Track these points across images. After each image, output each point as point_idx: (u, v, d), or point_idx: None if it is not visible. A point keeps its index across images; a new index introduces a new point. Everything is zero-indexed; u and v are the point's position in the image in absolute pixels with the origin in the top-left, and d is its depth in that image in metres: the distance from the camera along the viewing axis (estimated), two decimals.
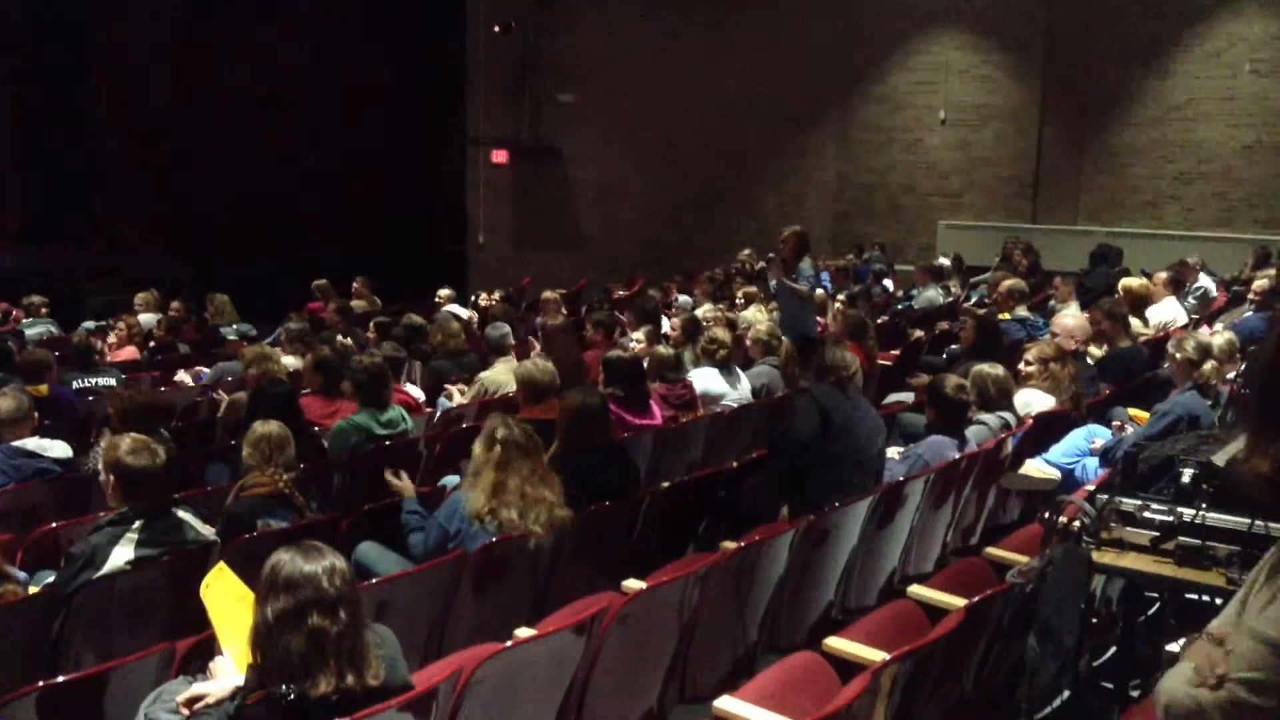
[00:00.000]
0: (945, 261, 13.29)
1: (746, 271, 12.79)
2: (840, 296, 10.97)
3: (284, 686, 2.58)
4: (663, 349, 6.93)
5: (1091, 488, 3.91)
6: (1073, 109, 14.88)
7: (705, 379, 6.74)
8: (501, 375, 7.08)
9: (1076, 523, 3.16)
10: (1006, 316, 8.47)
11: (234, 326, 10.72)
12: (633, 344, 7.96)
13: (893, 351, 8.77)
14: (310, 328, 9.27)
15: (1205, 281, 10.67)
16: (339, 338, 8.78)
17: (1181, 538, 3.10)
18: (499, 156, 18.01)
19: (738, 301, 10.49)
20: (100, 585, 3.74)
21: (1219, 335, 6.20)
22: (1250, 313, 8.66)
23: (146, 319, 10.67)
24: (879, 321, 10.44)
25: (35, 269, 14.99)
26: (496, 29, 17.29)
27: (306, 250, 14.49)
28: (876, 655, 3.23)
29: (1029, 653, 3.13)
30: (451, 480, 5.11)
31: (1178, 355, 5.48)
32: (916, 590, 3.86)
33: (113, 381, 7.56)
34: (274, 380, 5.97)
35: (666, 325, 9.08)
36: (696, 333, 7.57)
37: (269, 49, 16.66)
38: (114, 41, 16.66)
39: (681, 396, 6.46)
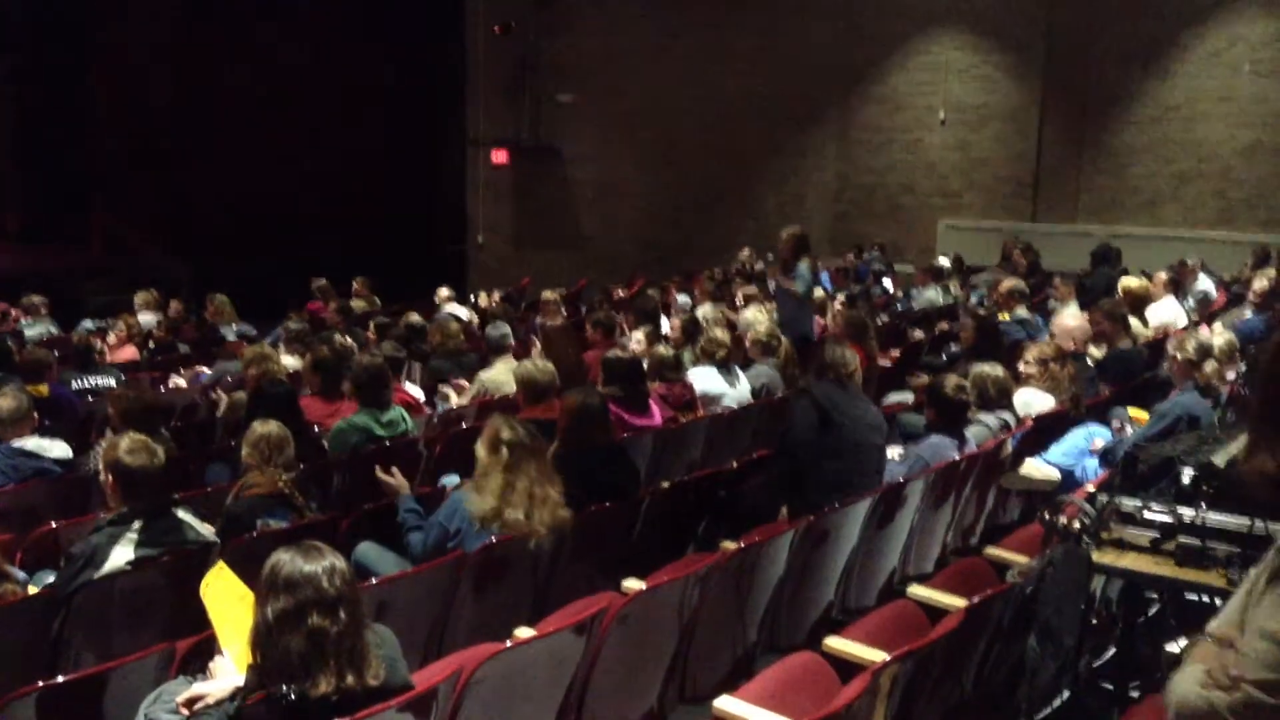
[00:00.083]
0: (945, 262, 13.29)
1: (746, 272, 12.80)
2: (840, 297, 10.97)
3: (284, 686, 2.58)
4: (662, 349, 6.92)
5: (1091, 488, 3.91)
6: (1072, 109, 14.88)
7: (705, 379, 6.74)
8: (501, 375, 7.07)
9: (1076, 523, 3.16)
10: (1006, 317, 8.47)
11: (234, 326, 10.71)
12: (632, 344, 7.96)
13: (893, 352, 8.77)
14: (310, 328, 9.26)
15: (1205, 282, 10.67)
16: (339, 337, 8.78)
17: (1181, 538, 3.10)
18: (499, 156, 18.01)
19: (738, 302, 10.48)
20: (100, 585, 3.74)
21: (1219, 336, 6.20)
22: (1250, 313, 8.66)
23: (146, 319, 10.66)
24: (879, 322, 10.44)
25: (35, 269, 14.97)
26: (496, 29, 17.28)
27: (306, 250, 14.47)
28: (876, 655, 3.23)
29: (1029, 653, 3.13)
30: (451, 480, 5.11)
31: (1178, 356, 5.48)
32: (916, 590, 3.87)
33: (112, 382, 7.56)
34: (274, 380, 5.97)
35: (666, 325, 9.08)
36: (696, 333, 7.57)
37: (269, 49, 16.64)
38: (114, 41, 16.64)
39: (681, 397, 6.46)
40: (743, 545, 3.91)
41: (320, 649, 2.59)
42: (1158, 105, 14.34)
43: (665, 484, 5.00)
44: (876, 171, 16.24)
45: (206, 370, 8.84)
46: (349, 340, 8.33)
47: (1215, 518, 3.08)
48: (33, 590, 3.98)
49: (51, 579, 3.99)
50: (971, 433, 5.25)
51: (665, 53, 16.86)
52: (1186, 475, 3.24)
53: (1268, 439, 2.00)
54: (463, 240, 18.56)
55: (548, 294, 10.75)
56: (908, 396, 7.13)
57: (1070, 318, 7.01)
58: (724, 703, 3.07)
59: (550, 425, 4.70)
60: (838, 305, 9.92)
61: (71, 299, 12.71)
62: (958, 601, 3.51)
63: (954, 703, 3.38)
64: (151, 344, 10.09)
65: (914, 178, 16.01)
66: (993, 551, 4.29)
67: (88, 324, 10.47)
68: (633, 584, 3.95)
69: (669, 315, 10.04)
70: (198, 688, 2.89)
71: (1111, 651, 3.71)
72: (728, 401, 6.71)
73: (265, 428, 4.52)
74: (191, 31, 16.35)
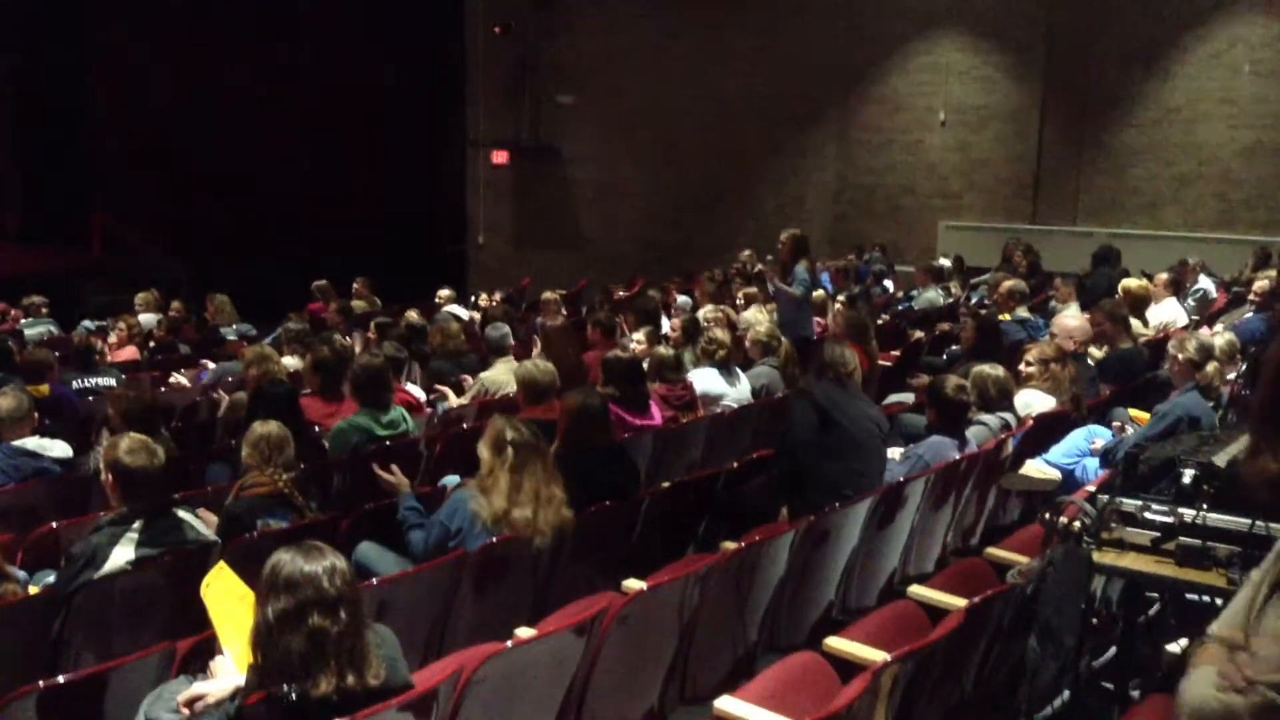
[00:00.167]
0: (945, 262, 13.30)
1: (746, 272, 12.80)
2: (840, 297, 10.97)
3: (284, 686, 2.58)
4: (663, 349, 6.92)
5: (1092, 488, 3.91)
6: (1073, 110, 14.88)
7: (705, 379, 6.74)
8: (502, 376, 7.07)
9: (1077, 523, 3.16)
10: (1007, 317, 8.47)
11: (234, 327, 10.72)
12: (633, 345, 7.96)
13: (893, 352, 8.77)
14: (310, 328, 9.26)
15: (1205, 283, 10.67)
16: (340, 338, 8.77)
17: (1182, 538, 3.10)
18: (499, 157, 18.02)
19: (738, 302, 10.48)
20: (100, 585, 3.74)
21: (1220, 336, 6.20)
22: (1250, 314, 8.66)
23: (147, 319, 10.67)
24: (879, 322, 10.45)
25: (35, 269, 14.98)
26: (497, 29, 17.29)
27: (306, 250, 14.48)
28: (877, 655, 3.23)
29: (1029, 653, 3.13)
30: (452, 480, 5.11)
31: (1179, 356, 5.48)
32: (917, 590, 3.86)
33: (113, 382, 7.56)
34: (274, 380, 5.97)
35: (666, 326, 9.08)
36: (696, 333, 7.57)
37: (269, 49, 16.65)
38: (114, 41, 16.65)
39: (681, 397, 6.46)
40: (743, 545, 3.91)
41: (321, 649, 2.59)
42: (1158, 106, 14.34)
43: (665, 484, 5.00)
44: (877, 172, 16.24)
45: (211, 365, 8.85)
46: (349, 340, 8.34)
47: (1216, 518, 3.08)
48: (33, 590, 3.99)
49: (52, 579, 3.99)
50: (972, 433, 5.25)
51: (665, 53, 16.87)
52: (1187, 475, 3.24)
53: (1270, 440, 2.01)
54: (463, 240, 18.57)
55: (548, 294, 10.76)
56: (908, 397, 7.13)
57: (1071, 318, 7.01)
58: (724, 703, 3.06)
59: (550, 425, 4.70)
60: (838, 306, 9.92)
61: (71, 299, 12.71)
62: (958, 602, 3.50)
63: (954, 703, 3.38)
64: (152, 344, 10.09)
65: (914, 179, 16.01)
66: (993, 552, 4.29)
67: (88, 324, 10.47)
68: (633, 584, 3.95)
69: (669, 316, 10.04)
70: (198, 687, 2.89)
71: (1112, 652, 3.70)
72: (728, 402, 6.71)
73: (265, 428, 4.52)
74: (191, 31, 16.35)
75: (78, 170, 16.89)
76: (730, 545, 4.14)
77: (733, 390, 6.79)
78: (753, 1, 16.39)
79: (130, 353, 9.39)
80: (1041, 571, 3.17)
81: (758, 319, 8.82)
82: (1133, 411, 5.92)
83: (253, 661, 2.67)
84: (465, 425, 6.37)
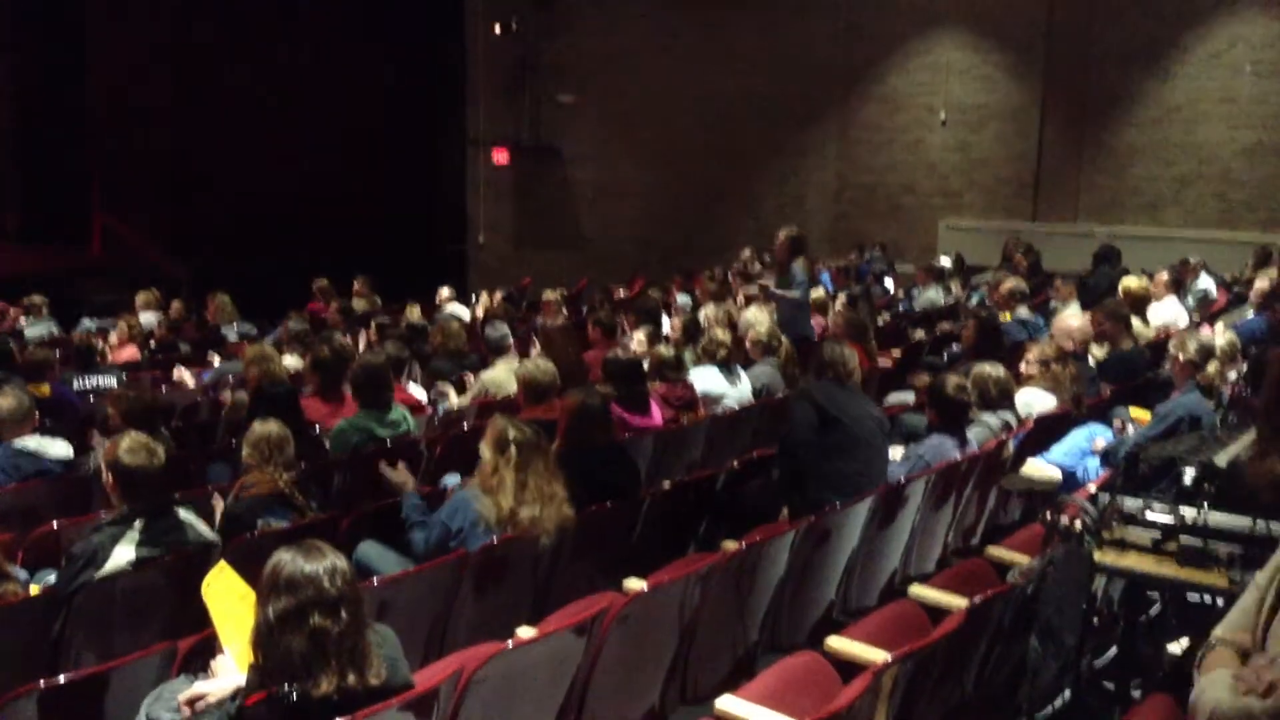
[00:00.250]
0: (946, 262, 13.29)
1: (746, 271, 12.79)
2: (841, 297, 10.97)
3: (285, 686, 2.58)
4: (663, 349, 6.93)
5: (1093, 488, 3.91)
6: (1073, 110, 14.87)
7: (706, 379, 6.74)
8: (502, 375, 7.07)
9: (1078, 523, 3.16)
10: (1007, 317, 8.47)
11: (235, 326, 10.72)
12: (633, 344, 7.96)
13: (893, 352, 8.77)
14: (310, 328, 9.26)
15: (1206, 282, 10.67)
16: (340, 337, 8.78)
17: (1183, 538, 3.10)
18: (499, 156, 18.03)
19: (739, 302, 10.48)
20: (101, 585, 3.74)
21: (1220, 336, 6.20)
22: (1251, 313, 8.66)
23: (147, 319, 10.67)
24: (880, 322, 10.45)
25: (35, 269, 14.98)
26: (497, 29, 17.29)
27: (306, 250, 14.48)
28: (878, 655, 3.23)
29: (1030, 653, 3.13)
30: (452, 480, 5.11)
31: (1180, 357, 5.47)
32: (918, 590, 3.86)
33: (114, 381, 7.56)
34: (274, 380, 5.97)
35: (667, 325, 9.08)
36: (697, 333, 7.57)
37: (269, 49, 16.63)
38: (114, 41, 16.64)
39: (682, 397, 6.46)
40: (743, 545, 3.91)
41: (321, 649, 2.59)
42: (1158, 106, 14.34)
43: (666, 484, 5.00)
44: (877, 171, 16.24)
45: (216, 360, 8.85)
46: (350, 340, 8.34)
47: (1217, 518, 3.08)
48: (34, 590, 3.99)
49: (53, 578, 3.99)
50: (973, 433, 5.25)
51: (665, 53, 16.87)
52: (1188, 475, 3.24)
53: (1275, 442, 2.02)
54: (463, 240, 18.57)
55: (549, 294, 10.76)
56: (909, 397, 7.13)
57: (1071, 318, 7.01)
58: (725, 703, 3.06)
59: (551, 425, 4.70)
60: (838, 305, 9.92)
61: (71, 299, 12.71)
62: (959, 601, 3.50)
63: (955, 703, 3.38)
64: (152, 344, 10.09)
65: (914, 178, 16.01)
66: (994, 551, 4.29)
67: (88, 323, 10.47)
68: (634, 584, 3.95)
69: (670, 315, 10.04)
70: (199, 687, 2.89)
71: (1113, 651, 3.71)
72: (729, 401, 6.71)
73: (265, 427, 4.52)
74: (191, 31, 16.34)
75: (78, 170, 16.87)
76: (731, 545, 4.14)
77: (734, 390, 6.79)
78: (753, 1, 16.39)
79: (131, 352, 9.39)
80: (1042, 571, 3.17)
81: (758, 319, 8.81)
82: (1134, 411, 5.91)
83: (253, 661, 2.67)
84: (466, 425, 6.37)
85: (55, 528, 4.46)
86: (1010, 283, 9.08)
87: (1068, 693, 3.33)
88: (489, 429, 4.29)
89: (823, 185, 16.73)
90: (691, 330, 7.79)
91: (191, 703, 2.84)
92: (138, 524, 3.84)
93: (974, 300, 11.21)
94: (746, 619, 3.98)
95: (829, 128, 16.52)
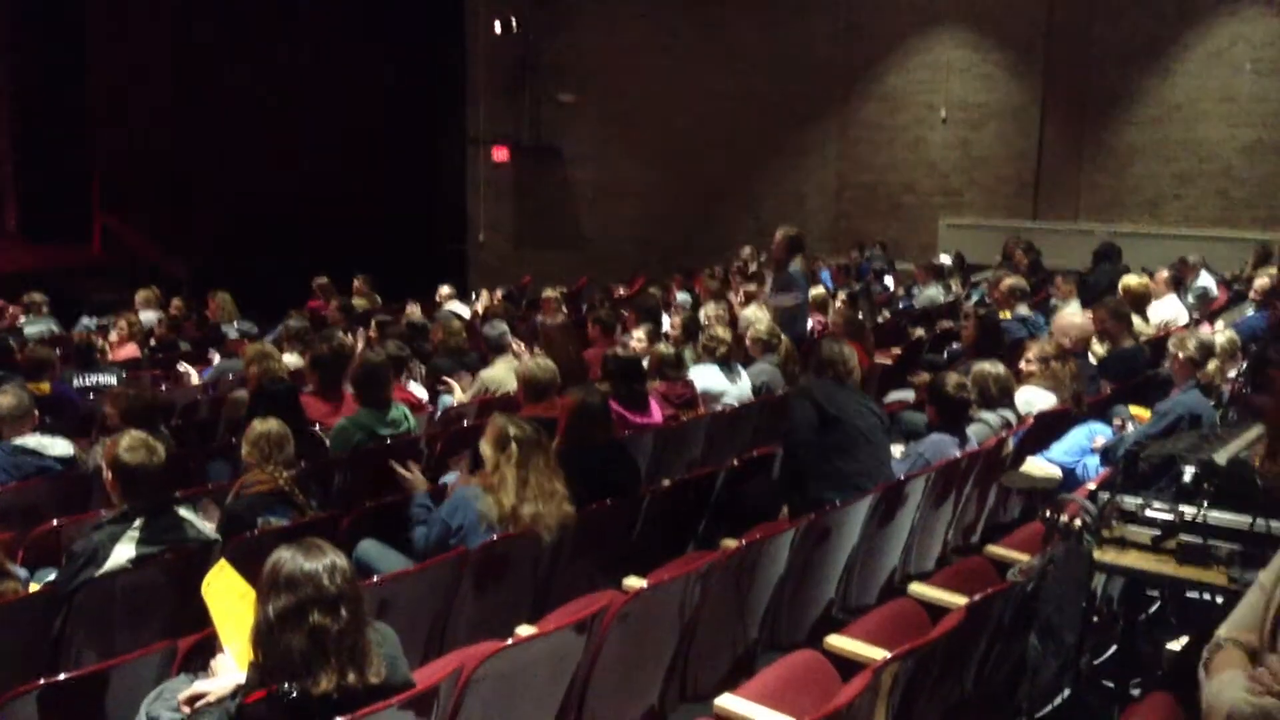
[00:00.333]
0: (946, 260, 13.29)
1: (745, 270, 12.80)
2: (841, 295, 10.97)
3: (285, 684, 2.58)
4: (663, 347, 6.93)
5: (1093, 486, 3.91)
6: (1073, 108, 14.87)
7: (706, 377, 6.74)
8: (502, 374, 7.07)
9: (1078, 521, 3.16)
10: (1007, 315, 8.47)
11: (235, 324, 10.72)
12: (633, 343, 7.96)
13: (894, 350, 8.77)
14: (310, 326, 9.27)
15: (1206, 280, 10.67)
16: (342, 335, 8.78)
17: (1183, 536, 3.10)
18: (499, 156, 18.02)
19: (739, 300, 10.48)
20: (101, 583, 3.74)
21: (1220, 334, 6.20)
22: (1251, 311, 8.66)
23: (147, 317, 10.67)
24: (880, 320, 10.45)
25: (35, 267, 14.98)
26: (497, 28, 17.29)
27: (306, 250, 14.48)
28: (877, 654, 3.23)
29: (1030, 651, 3.13)
30: (453, 478, 5.11)
31: (1180, 355, 5.47)
32: (917, 589, 3.86)
33: (114, 380, 7.56)
34: (274, 378, 5.97)
35: (667, 324, 9.08)
36: (697, 331, 7.57)
37: (269, 49, 16.62)
38: (114, 41, 16.63)
39: (682, 395, 6.46)
40: (744, 544, 3.91)
41: (321, 647, 2.59)
42: (1159, 104, 14.33)
43: (666, 482, 5.00)
44: (877, 170, 16.24)
45: (216, 358, 8.86)
46: (351, 338, 8.34)
47: (1216, 516, 3.08)
48: (34, 588, 3.99)
49: (53, 577, 3.99)
50: (973, 431, 5.25)
51: (665, 52, 16.86)
52: (1188, 473, 3.24)
53: None
54: (463, 239, 18.56)
55: (549, 292, 10.76)
56: (909, 395, 7.13)
57: (1072, 316, 7.01)
58: (725, 701, 3.06)
59: (551, 423, 4.70)
60: (838, 303, 9.92)
61: (71, 297, 12.71)
62: (959, 600, 3.50)
63: (955, 701, 3.38)
64: (152, 342, 10.10)
65: (915, 176, 16.00)
66: (994, 550, 4.28)
67: (87, 321, 10.46)
68: (634, 582, 3.95)
69: (669, 314, 10.04)
70: (199, 685, 2.89)
71: (1113, 649, 3.71)
72: (729, 399, 6.71)
73: (264, 426, 4.52)
74: (192, 31, 16.33)
75: (78, 168, 16.87)
76: (731, 543, 4.14)
77: (734, 388, 6.80)
78: (753, 1, 16.39)
79: (131, 350, 9.40)
80: (1042, 569, 3.17)
81: (758, 316, 8.81)
82: (1133, 409, 5.91)
83: (253, 659, 2.67)
84: (466, 423, 6.37)
85: (56, 526, 4.46)
86: (1010, 280, 9.08)
87: (1067, 691, 3.33)
88: (489, 427, 4.29)
89: (823, 184, 16.73)
90: (691, 328, 7.78)
91: (191, 701, 2.84)
92: (138, 522, 3.84)
93: (974, 298, 11.21)
94: (746, 617, 3.98)
95: (829, 127, 16.52)
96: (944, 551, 5.10)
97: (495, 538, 4.02)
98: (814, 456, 4.76)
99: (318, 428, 5.83)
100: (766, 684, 3.10)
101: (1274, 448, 1.97)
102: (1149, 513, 3.17)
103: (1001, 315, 8.45)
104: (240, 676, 2.78)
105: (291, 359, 7.71)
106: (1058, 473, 5.04)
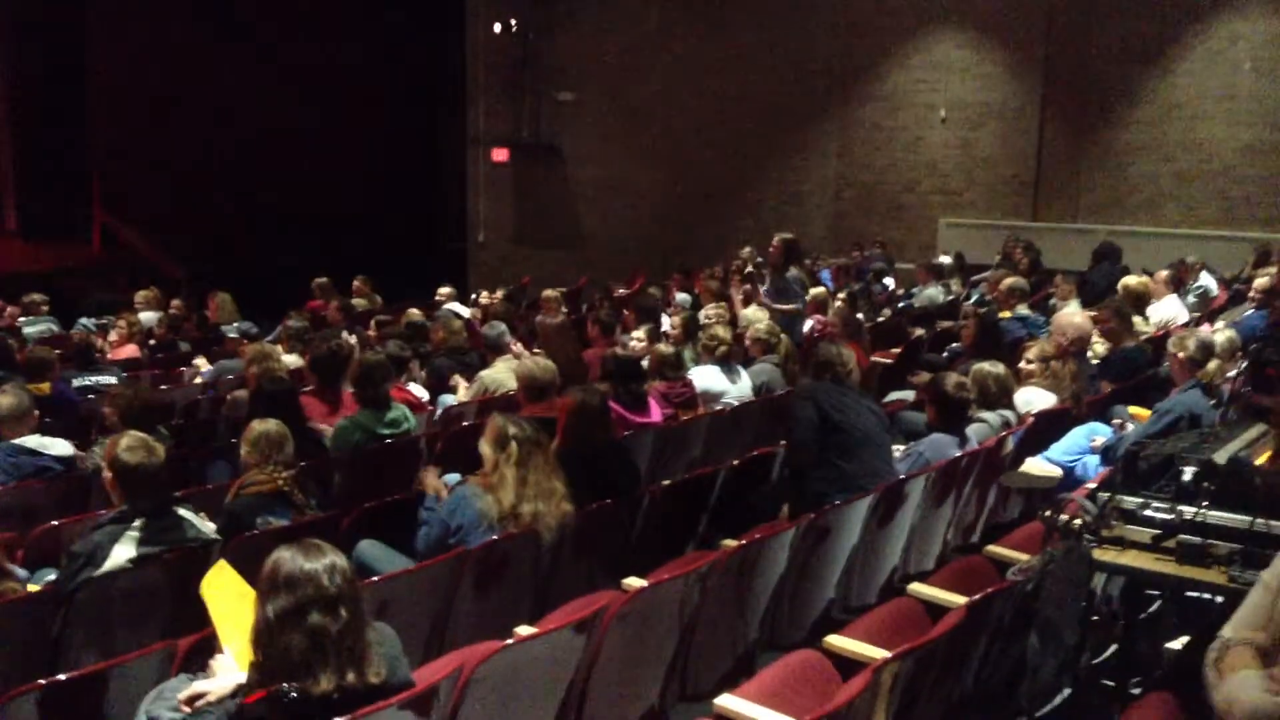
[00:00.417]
0: (946, 260, 13.29)
1: (741, 270, 12.79)
2: (840, 295, 10.97)
3: (285, 684, 2.57)
4: (663, 347, 6.93)
5: (1092, 486, 3.91)
6: (1073, 108, 14.87)
7: (706, 377, 6.74)
8: (502, 374, 7.07)
9: (1077, 521, 3.16)
10: (1007, 315, 8.47)
11: (235, 324, 10.72)
12: (633, 342, 7.97)
13: (894, 350, 8.77)
14: (310, 326, 9.27)
15: (1206, 280, 10.66)
16: (344, 335, 8.79)
17: (1182, 536, 3.10)
18: (499, 155, 18.03)
19: (738, 300, 10.48)
20: (101, 583, 3.74)
21: (1220, 333, 6.20)
22: (1251, 311, 8.66)
23: (147, 317, 10.67)
24: (879, 319, 10.45)
25: (35, 267, 14.98)
26: (497, 28, 17.30)
27: (307, 249, 14.48)
28: (877, 653, 3.23)
29: (1030, 651, 3.13)
30: (453, 478, 5.11)
31: (1180, 355, 5.47)
32: (917, 588, 3.86)
33: (113, 380, 7.56)
34: (274, 378, 5.97)
35: (667, 323, 9.08)
36: (697, 331, 7.57)
37: (269, 48, 16.63)
38: (114, 40, 16.63)
39: (682, 395, 6.46)
40: (743, 543, 3.91)
41: (321, 647, 2.59)
42: (1159, 104, 14.33)
43: (666, 482, 5.00)
44: (877, 170, 16.23)
45: (203, 364, 8.85)
46: (351, 339, 8.34)
47: (1216, 515, 3.08)
48: (34, 588, 3.99)
49: (53, 577, 3.99)
50: (972, 431, 5.25)
51: (665, 50, 16.87)
52: (1187, 473, 3.24)
53: None
54: (463, 238, 18.57)
55: (548, 292, 10.76)
56: (909, 394, 7.13)
57: (1072, 315, 7.01)
58: (725, 701, 3.06)
59: (551, 423, 4.70)
60: (838, 303, 9.93)
61: (71, 297, 12.72)
62: (958, 599, 3.50)
63: (955, 700, 3.38)
64: (152, 342, 10.10)
65: (914, 176, 16.00)
66: (994, 549, 4.28)
67: (85, 321, 10.47)
68: (633, 582, 3.94)
69: (669, 313, 10.04)
70: (199, 685, 2.89)
71: (1112, 649, 3.71)
72: (729, 399, 6.71)
73: (264, 426, 4.52)
74: (192, 31, 16.33)
75: (78, 168, 16.87)
76: (731, 543, 4.14)
77: (734, 388, 6.80)
78: (753, 0, 16.40)
79: (131, 351, 9.40)
80: (1042, 569, 3.17)
81: (757, 316, 8.82)
82: (1133, 409, 5.91)
83: (253, 659, 2.67)
84: (466, 423, 6.37)
85: (55, 526, 4.46)
86: (1010, 280, 9.08)
87: (1067, 690, 3.33)
88: (488, 426, 4.29)
89: (823, 183, 16.73)
90: (691, 328, 7.79)
91: (191, 701, 2.84)
92: (137, 522, 3.84)
93: (973, 298, 11.21)
94: (746, 617, 3.98)
95: (829, 126, 16.52)
96: (944, 551, 5.10)
97: (495, 537, 4.02)
98: (816, 457, 4.76)
99: (321, 428, 5.83)
100: (766, 684, 3.10)
101: None
102: (1148, 512, 3.17)
103: (1001, 315, 8.45)
104: (240, 676, 2.78)
105: (291, 359, 7.71)
106: (1057, 472, 5.04)
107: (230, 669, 2.91)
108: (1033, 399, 5.80)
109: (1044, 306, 9.59)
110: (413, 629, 3.63)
